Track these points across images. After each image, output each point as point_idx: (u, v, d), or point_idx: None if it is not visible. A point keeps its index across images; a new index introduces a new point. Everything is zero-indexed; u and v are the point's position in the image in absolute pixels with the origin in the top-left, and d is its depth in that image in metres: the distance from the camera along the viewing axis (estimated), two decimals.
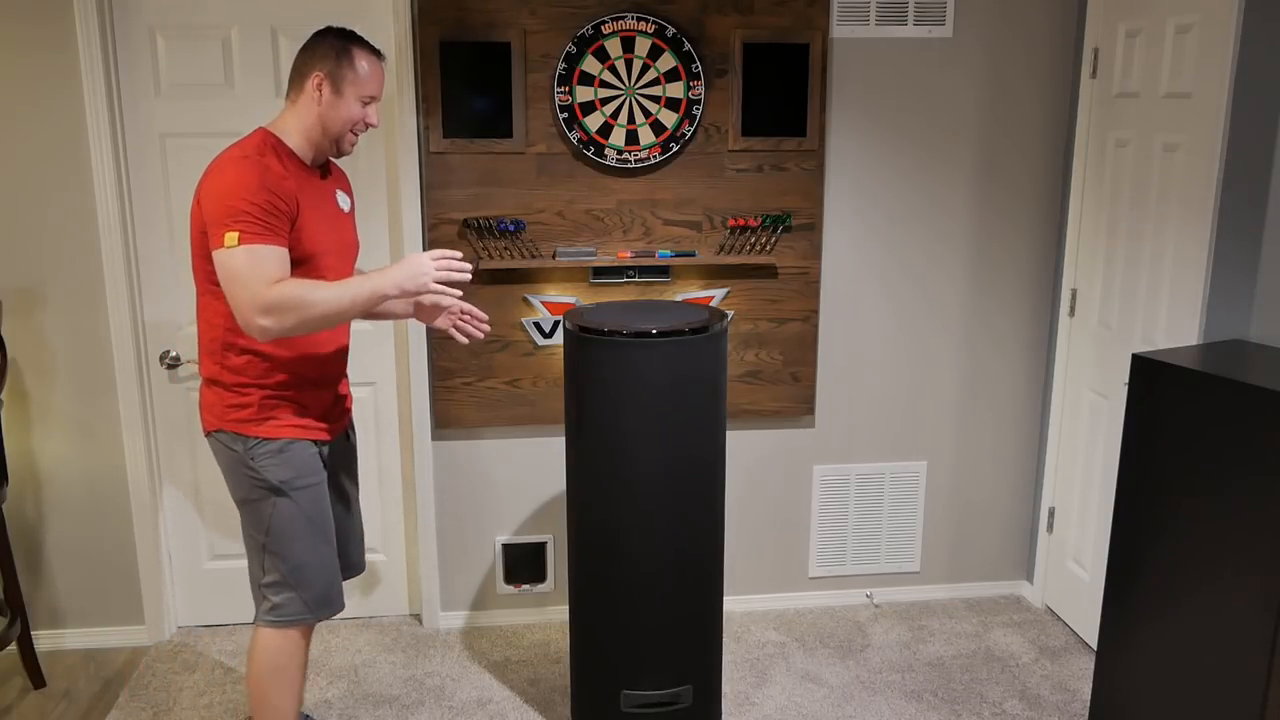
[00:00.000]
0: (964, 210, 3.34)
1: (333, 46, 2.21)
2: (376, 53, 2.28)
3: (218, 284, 2.15)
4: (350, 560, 2.59)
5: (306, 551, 2.31)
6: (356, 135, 2.29)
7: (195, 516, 3.32)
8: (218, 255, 2.08)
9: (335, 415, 2.43)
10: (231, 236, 2.05)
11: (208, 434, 2.32)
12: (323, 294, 2.09)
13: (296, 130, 2.24)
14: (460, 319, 2.52)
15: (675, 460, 2.52)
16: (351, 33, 2.27)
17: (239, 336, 2.21)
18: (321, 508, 2.34)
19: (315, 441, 2.34)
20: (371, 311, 2.34)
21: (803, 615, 3.52)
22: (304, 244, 2.20)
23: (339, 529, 2.51)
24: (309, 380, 2.32)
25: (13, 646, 3.02)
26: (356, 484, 2.63)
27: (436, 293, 2.13)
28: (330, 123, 2.23)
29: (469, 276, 2.15)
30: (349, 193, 2.47)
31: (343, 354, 2.44)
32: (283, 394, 2.27)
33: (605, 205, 3.17)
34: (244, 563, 3.35)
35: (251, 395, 2.25)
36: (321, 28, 2.28)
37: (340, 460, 2.53)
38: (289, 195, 2.14)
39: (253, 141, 2.19)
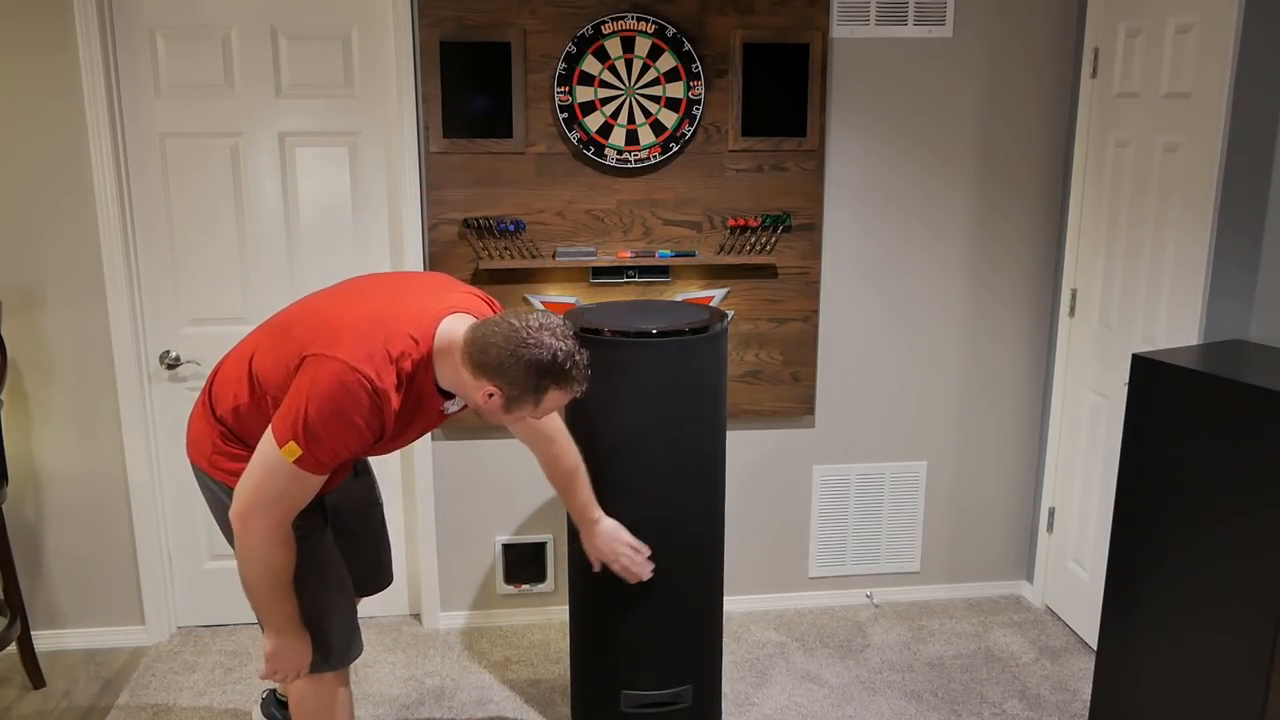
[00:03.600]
0: (964, 210, 3.34)
1: (530, 378, 1.87)
2: (578, 380, 1.93)
3: (270, 395, 1.98)
4: (380, 579, 2.51)
5: (316, 602, 2.14)
6: None
7: (195, 516, 3.32)
8: (269, 442, 1.89)
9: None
10: (292, 449, 1.86)
11: (193, 464, 2.16)
12: (273, 586, 1.99)
13: (452, 381, 1.96)
14: (627, 556, 2.46)
15: (675, 460, 2.52)
16: (556, 358, 1.87)
17: (251, 438, 2.05)
18: (325, 555, 2.16)
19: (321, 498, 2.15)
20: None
21: (803, 615, 3.52)
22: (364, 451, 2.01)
23: (367, 551, 2.42)
24: None
25: (13, 646, 3.02)
26: (378, 503, 2.47)
27: (275, 669, 2.09)
28: (485, 416, 1.97)
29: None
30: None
31: None
32: None
33: (605, 205, 3.17)
34: None
35: (239, 450, 2.08)
36: (540, 324, 1.87)
37: (351, 489, 2.36)
38: (380, 428, 1.92)
39: (400, 368, 1.90)
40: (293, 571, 2.01)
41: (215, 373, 2.14)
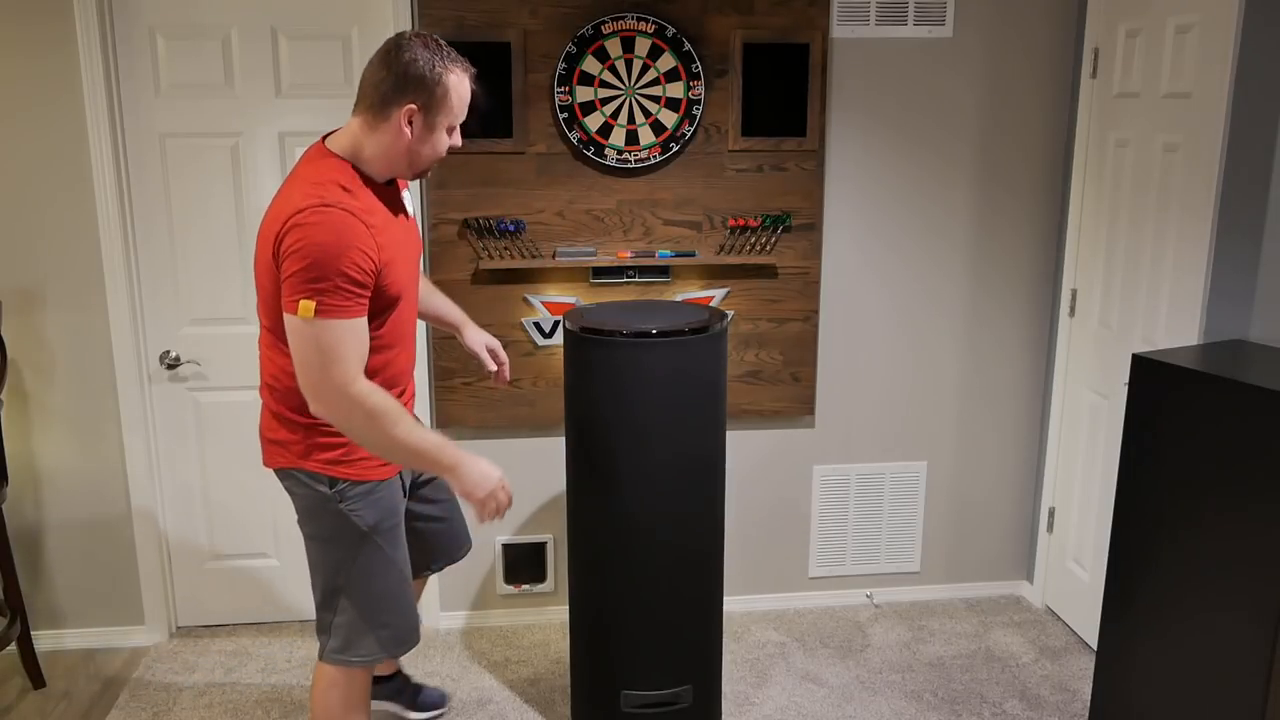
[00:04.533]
0: (964, 210, 3.34)
1: (426, 75, 1.94)
2: (461, 59, 2.01)
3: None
4: (459, 546, 2.58)
5: (385, 592, 2.18)
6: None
7: (195, 516, 3.32)
8: (290, 320, 1.90)
9: None
10: (306, 306, 1.86)
11: (278, 470, 2.15)
12: (402, 428, 1.94)
13: (378, 159, 2.01)
14: (496, 362, 2.58)
15: (675, 460, 2.52)
16: (441, 47, 1.98)
17: None
18: (401, 546, 2.21)
19: (400, 474, 2.21)
20: (431, 316, 2.46)
21: (803, 615, 3.52)
22: (389, 289, 2.02)
23: (444, 526, 2.48)
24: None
25: (13, 646, 3.02)
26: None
27: (483, 501, 2.04)
28: (419, 158, 2.02)
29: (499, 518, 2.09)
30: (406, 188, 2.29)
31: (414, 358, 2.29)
32: None
33: (605, 205, 3.17)
34: (244, 563, 3.36)
35: (340, 435, 2.04)
36: (403, 35, 1.97)
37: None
38: (375, 248, 1.93)
39: (333, 183, 1.94)
40: (404, 412, 1.96)
41: (261, 376, 2.12)
